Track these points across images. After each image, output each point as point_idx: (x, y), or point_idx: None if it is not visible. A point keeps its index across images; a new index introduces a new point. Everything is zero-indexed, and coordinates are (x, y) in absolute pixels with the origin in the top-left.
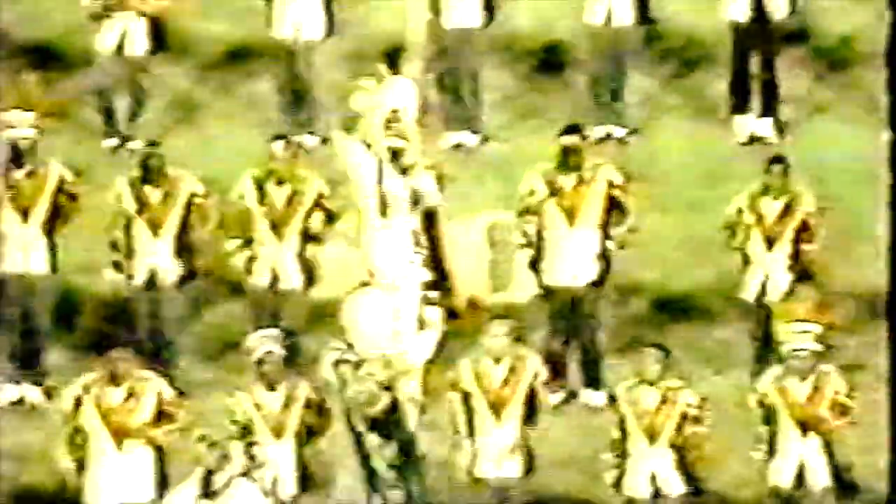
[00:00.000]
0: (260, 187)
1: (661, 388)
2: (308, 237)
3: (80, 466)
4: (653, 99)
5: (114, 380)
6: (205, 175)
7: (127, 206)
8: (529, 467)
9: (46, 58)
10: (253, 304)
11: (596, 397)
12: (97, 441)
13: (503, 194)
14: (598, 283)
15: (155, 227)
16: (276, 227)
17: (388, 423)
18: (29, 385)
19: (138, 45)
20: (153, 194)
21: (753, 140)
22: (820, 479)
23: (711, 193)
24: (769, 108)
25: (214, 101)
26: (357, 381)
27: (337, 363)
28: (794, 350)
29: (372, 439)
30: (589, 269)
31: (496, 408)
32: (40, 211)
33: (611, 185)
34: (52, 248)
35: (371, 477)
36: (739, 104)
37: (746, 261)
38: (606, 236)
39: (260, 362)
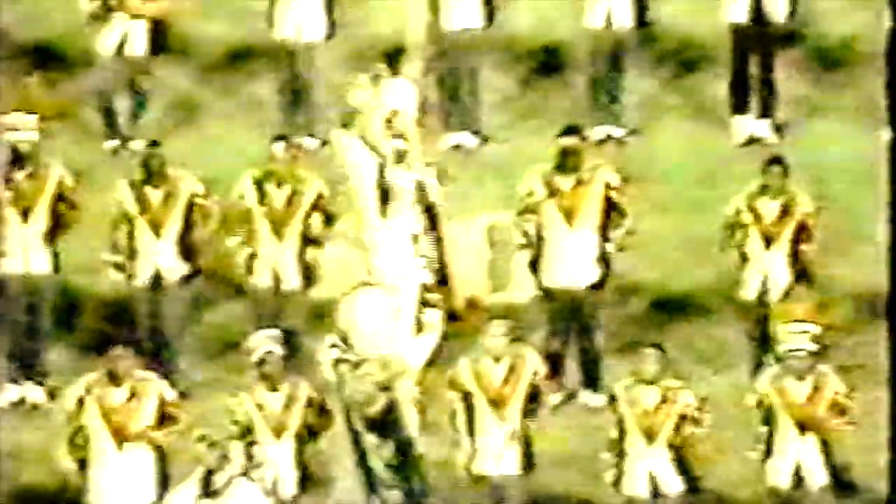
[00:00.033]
0: (260, 188)
1: (660, 387)
2: (308, 238)
3: (82, 467)
4: (652, 100)
5: (114, 380)
6: (205, 176)
7: (128, 207)
8: (529, 466)
9: (47, 59)
10: (253, 305)
11: (595, 398)
12: (98, 441)
13: (502, 195)
14: (597, 286)
15: (156, 227)
16: (276, 227)
17: (386, 424)
18: (30, 385)
19: (139, 46)
20: (154, 195)
21: (752, 141)
22: (818, 478)
23: (710, 194)
24: (767, 109)
25: (215, 102)
26: (355, 381)
27: (336, 362)
28: (793, 350)
29: (370, 439)
30: (588, 270)
31: (496, 406)
32: (41, 212)
33: (608, 186)
34: (54, 249)
35: (369, 477)
36: (740, 105)
37: (745, 260)
38: (605, 238)
39: (261, 362)
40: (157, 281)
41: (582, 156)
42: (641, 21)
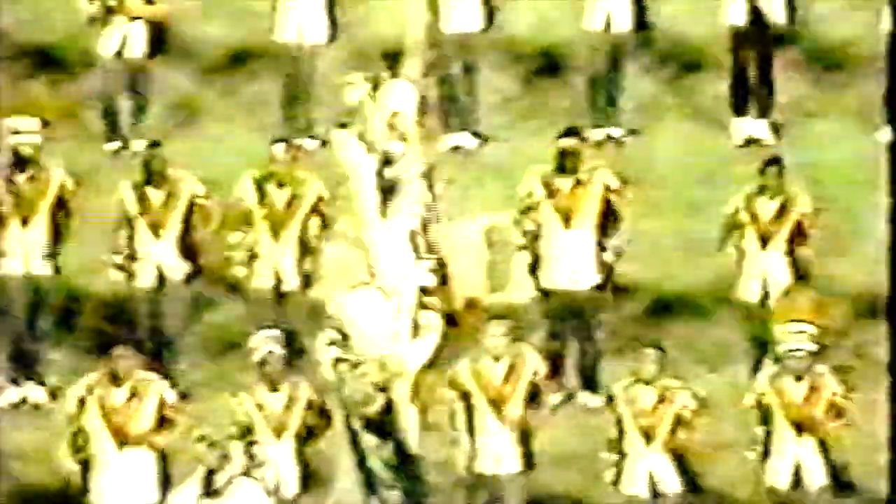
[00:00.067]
0: (260, 189)
1: (658, 387)
2: (307, 239)
3: (84, 467)
4: (651, 101)
5: (115, 380)
6: (206, 176)
7: (129, 208)
8: (528, 465)
9: (48, 61)
10: (253, 305)
11: (593, 399)
12: (99, 442)
13: (502, 196)
14: (596, 287)
15: (157, 228)
16: (276, 228)
17: (384, 424)
18: (32, 385)
19: (139, 48)
20: (155, 196)
21: (750, 142)
22: (816, 478)
23: (709, 194)
24: (766, 111)
25: (215, 104)
26: (354, 381)
27: (336, 361)
28: (791, 350)
29: (368, 440)
30: (586, 271)
31: (496, 405)
32: (42, 214)
33: (607, 188)
34: (55, 251)
35: (368, 477)
36: (740, 107)
37: (743, 261)
38: (603, 239)
39: (262, 363)
40: (157, 281)
41: (580, 157)
42: (640, 23)
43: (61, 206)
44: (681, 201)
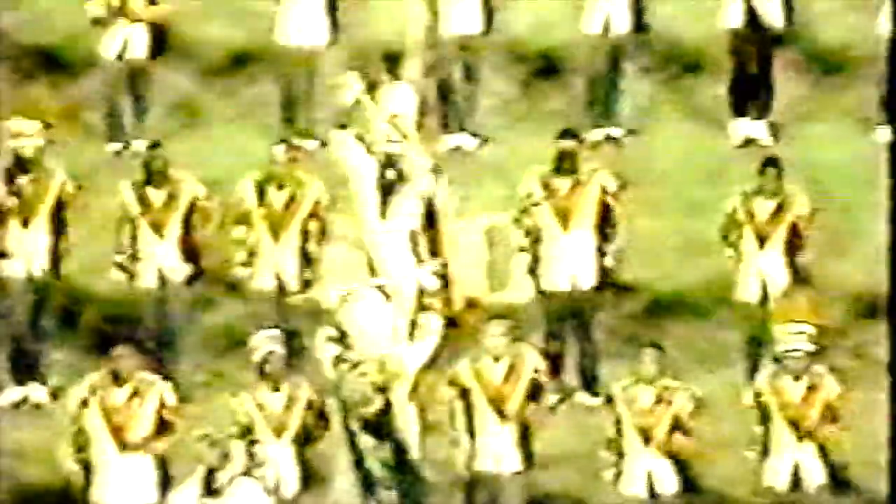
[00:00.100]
0: (261, 190)
1: (657, 387)
2: (307, 239)
3: (85, 467)
4: (649, 102)
5: (117, 379)
6: (206, 177)
7: (131, 209)
8: (528, 464)
9: (49, 62)
10: (254, 306)
11: (592, 398)
12: (100, 441)
13: (501, 196)
14: (595, 287)
15: (158, 228)
16: (276, 229)
17: (382, 425)
18: (33, 385)
19: (140, 49)
20: (156, 196)
21: (749, 142)
22: (815, 478)
23: (707, 195)
24: (764, 111)
25: (216, 106)
26: (353, 381)
27: (337, 360)
28: (789, 351)
29: (366, 440)
30: (584, 271)
31: (496, 405)
32: (43, 215)
33: (604, 190)
34: (56, 251)
35: (365, 478)
36: (739, 108)
37: (741, 261)
38: (602, 240)
39: (263, 362)
40: (159, 281)
41: (579, 159)
42: (639, 25)
43: (62, 207)
44: (680, 201)
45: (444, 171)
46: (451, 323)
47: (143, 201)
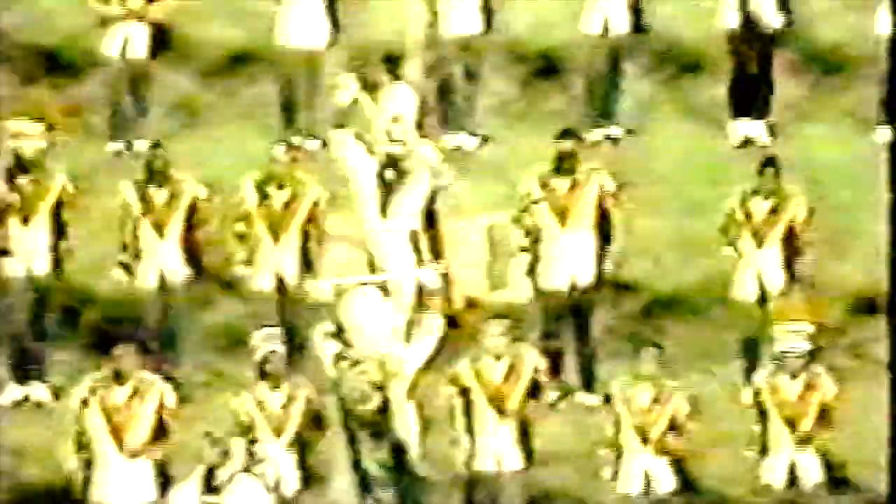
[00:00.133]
0: (261, 190)
1: (655, 387)
2: (307, 239)
3: (87, 466)
4: (648, 102)
5: (118, 378)
6: (207, 177)
7: (132, 208)
8: (527, 463)
9: (50, 63)
10: (255, 305)
11: (591, 397)
12: (100, 440)
13: (501, 196)
14: (593, 286)
15: (160, 228)
16: (276, 229)
17: (380, 424)
18: (35, 383)
19: (140, 49)
20: (158, 195)
21: (747, 143)
22: (812, 476)
23: (706, 195)
24: (763, 112)
25: (217, 105)
26: (353, 379)
27: (337, 358)
28: (786, 350)
29: (364, 439)
30: (583, 270)
31: (496, 403)
32: (44, 214)
33: (602, 190)
34: (57, 251)
35: (363, 478)
36: (737, 108)
37: (739, 259)
38: (601, 240)
39: (263, 361)
40: (160, 281)
41: (578, 159)
42: (638, 26)
43: (63, 206)
44: (678, 201)
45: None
46: (451, 322)
47: (145, 201)
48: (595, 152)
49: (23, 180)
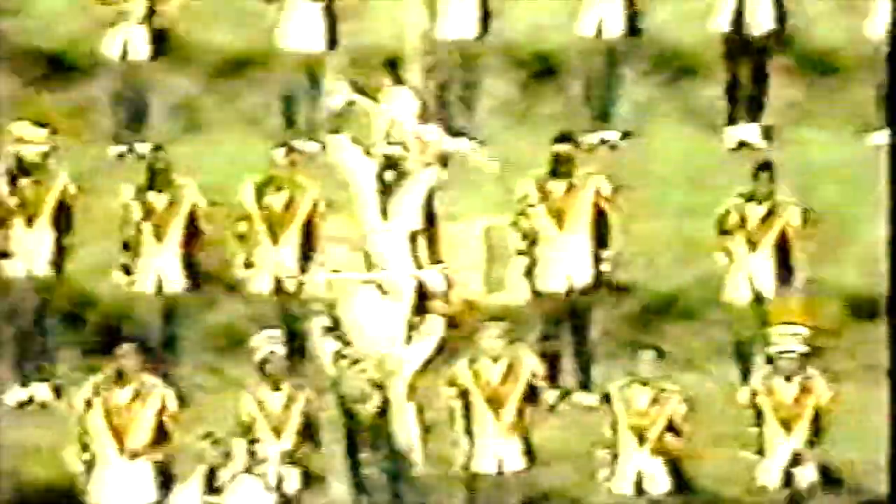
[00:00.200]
0: (261, 193)
1: (653, 388)
2: (307, 241)
3: (89, 467)
4: (645, 106)
5: (120, 378)
6: (207, 180)
7: (133, 212)
8: (526, 464)
9: (52, 67)
10: (254, 306)
11: (589, 398)
12: (101, 441)
13: (498, 199)
14: (590, 288)
15: (160, 231)
16: (276, 231)
17: (379, 425)
18: (38, 384)
19: (141, 52)
20: (158, 200)
21: (742, 146)
22: (808, 476)
23: (702, 198)
24: (758, 115)
25: (218, 109)
26: (352, 377)
27: (336, 357)
28: (783, 353)
29: (362, 440)
30: (580, 273)
31: (494, 405)
32: (46, 216)
33: (598, 194)
34: (59, 253)
35: (361, 479)
36: (733, 111)
37: (733, 262)
38: (597, 243)
39: (263, 362)
40: (160, 284)
41: (574, 162)
42: (633, 29)
43: (65, 208)
44: (674, 204)
45: (443, 173)
46: (450, 324)
47: (146, 204)
48: (592, 155)
49: (25, 182)
